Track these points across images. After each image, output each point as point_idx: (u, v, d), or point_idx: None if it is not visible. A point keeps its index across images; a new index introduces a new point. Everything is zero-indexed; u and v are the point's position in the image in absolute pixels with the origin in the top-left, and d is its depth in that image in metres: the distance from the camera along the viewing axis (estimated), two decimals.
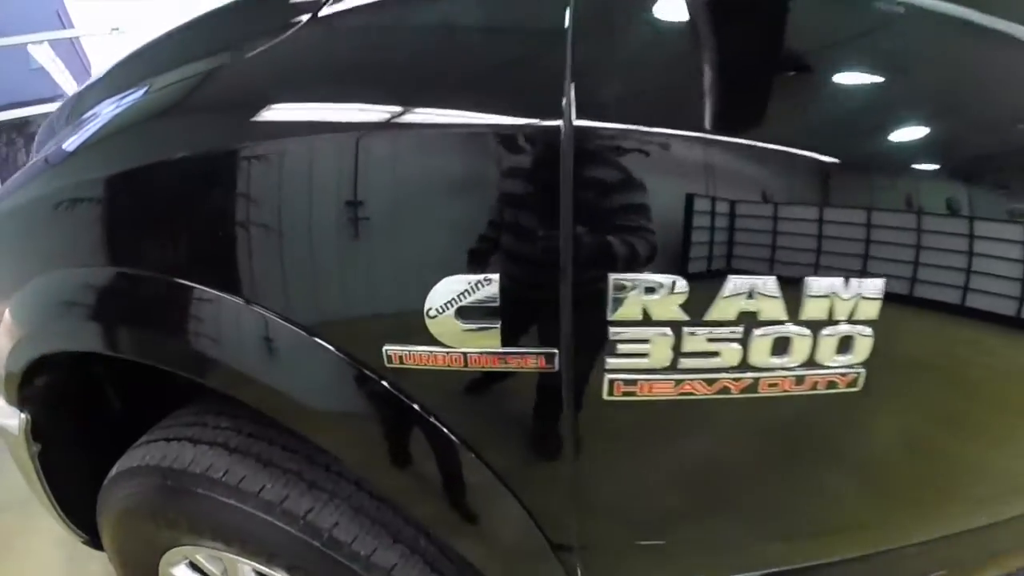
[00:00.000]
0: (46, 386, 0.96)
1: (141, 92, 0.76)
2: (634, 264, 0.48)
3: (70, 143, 0.81)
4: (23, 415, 0.96)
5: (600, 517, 0.63)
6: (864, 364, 0.53)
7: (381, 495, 0.78)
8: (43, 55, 4.95)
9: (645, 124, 0.47)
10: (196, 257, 0.62)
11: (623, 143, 0.47)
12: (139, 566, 1.01)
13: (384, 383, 0.55)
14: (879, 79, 0.54)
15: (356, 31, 0.61)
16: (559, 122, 0.47)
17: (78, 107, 0.92)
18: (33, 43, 4.62)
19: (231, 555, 0.87)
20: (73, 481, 1.06)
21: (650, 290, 0.47)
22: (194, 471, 0.80)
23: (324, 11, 0.59)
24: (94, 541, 1.11)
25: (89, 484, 0.99)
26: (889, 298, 0.51)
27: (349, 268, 0.54)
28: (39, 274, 0.82)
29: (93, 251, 0.73)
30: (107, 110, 0.79)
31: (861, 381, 0.54)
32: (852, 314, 0.51)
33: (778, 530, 0.70)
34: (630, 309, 0.48)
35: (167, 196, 0.65)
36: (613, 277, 0.47)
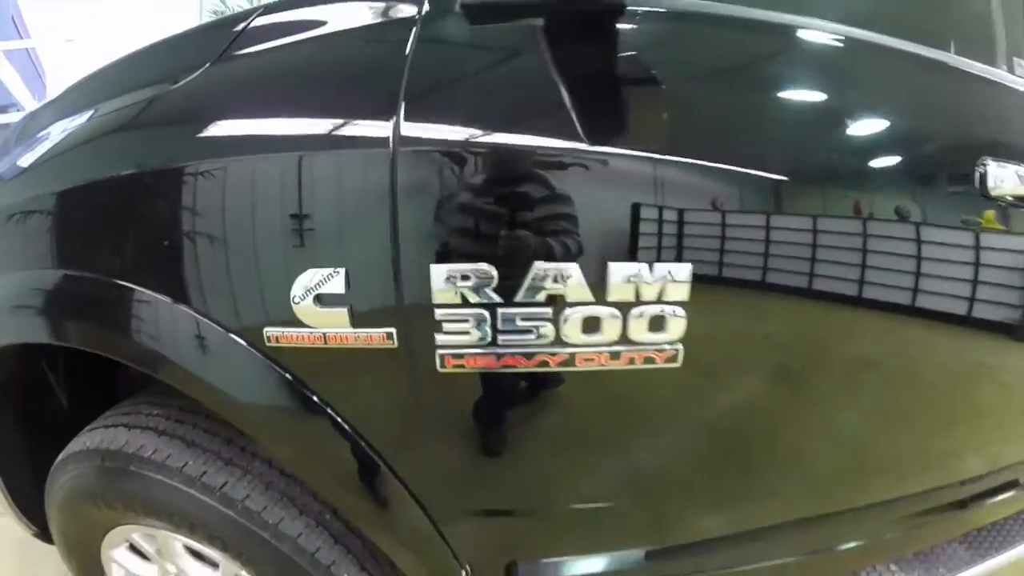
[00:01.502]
0: None
1: (87, 116, 0.91)
2: (451, 256, 0.63)
3: (24, 160, 0.96)
4: None
5: (457, 485, 0.78)
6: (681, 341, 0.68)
7: (289, 471, 0.93)
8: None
9: (464, 136, 0.63)
10: (133, 261, 0.77)
11: (443, 151, 0.63)
12: (84, 553, 1.14)
13: (267, 360, 0.70)
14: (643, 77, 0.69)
15: (242, 73, 0.77)
16: (389, 133, 0.62)
17: (29, 127, 1.07)
18: None
19: (162, 531, 1.00)
20: (24, 475, 1.20)
21: (464, 277, 0.62)
22: (127, 451, 0.93)
23: (224, 55, 0.75)
24: (44, 534, 1.25)
25: (39, 479, 1.12)
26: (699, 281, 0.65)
27: (241, 268, 0.69)
28: None
29: (44, 255, 0.88)
30: (57, 131, 0.94)
31: (681, 357, 0.69)
32: (662, 295, 0.65)
33: (630, 502, 0.85)
34: (449, 294, 0.63)
35: (110, 207, 0.80)
36: (434, 268, 0.62)
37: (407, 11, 0.69)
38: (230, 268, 0.68)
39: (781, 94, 0.77)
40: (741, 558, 1.02)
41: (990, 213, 0.88)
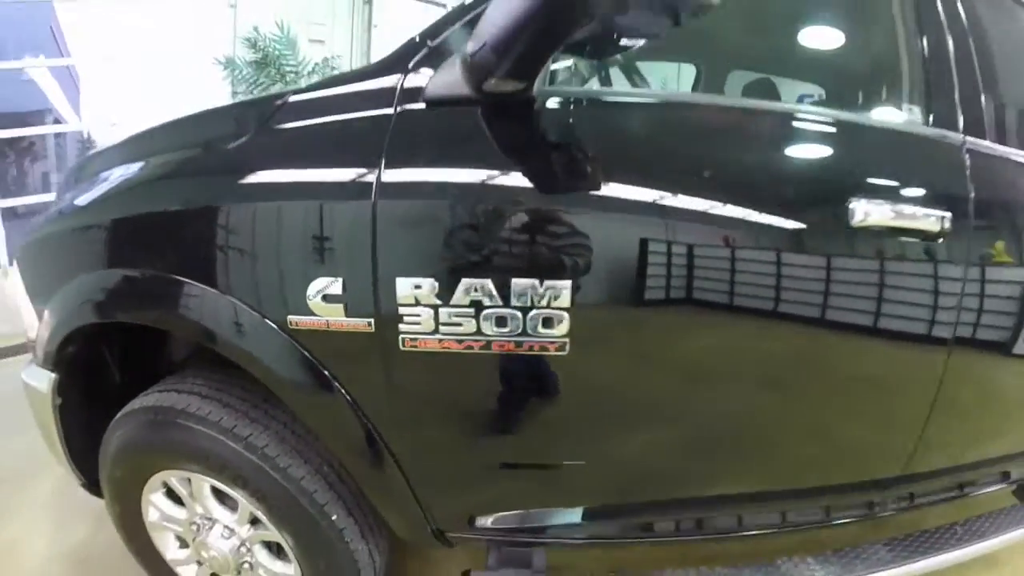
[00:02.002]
0: (69, 355, 1.42)
1: (139, 166, 1.28)
2: (409, 271, 0.97)
3: (82, 199, 1.34)
4: (53, 375, 1.44)
5: (415, 434, 1.11)
6: (570, 330, 1.01)
7: (299, 429, 1.25)
8: (38, 73, 5.54)
9: (419, 192, 0.98)
10: (177, 262, 1.13)
11: (406, 202, 0.98)
12: (127, 497, 1.46)
13: (290, 339, 1.05)
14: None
15: (278, 141, 1.12)
16: (373, 184, 0.98)
17: (88, 167, 1.45)
18: (34, 67, 5.24)
19: (196, 474, 1.32)
20: (81, 436, 1.53)
21: (417, 286, 0.97)
22: (177, 408, 1.26)
23: (264, 126, 1.12)
24: (91, 487, 1.59)
25: (92, 439, 1.46)
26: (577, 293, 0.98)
27: (275, 275, 1.04)
28: (68, 280, 1.32)
29: (107, 260, 1.24)
30: (116, 175, 1.31)
31: (568, 348, 1.02)
32: (551, 303, 0.99)
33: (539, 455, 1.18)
34: (407, 296, 0.97)
35: (160, 230, 1.16)
36: (398, 279, 0.96)
37: (386, 108, 1.05)
38: (270, 276, 1.05)
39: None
40: (660, 527, 1.33)
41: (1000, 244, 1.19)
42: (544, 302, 0.97)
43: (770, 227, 1.09)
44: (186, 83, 5.74)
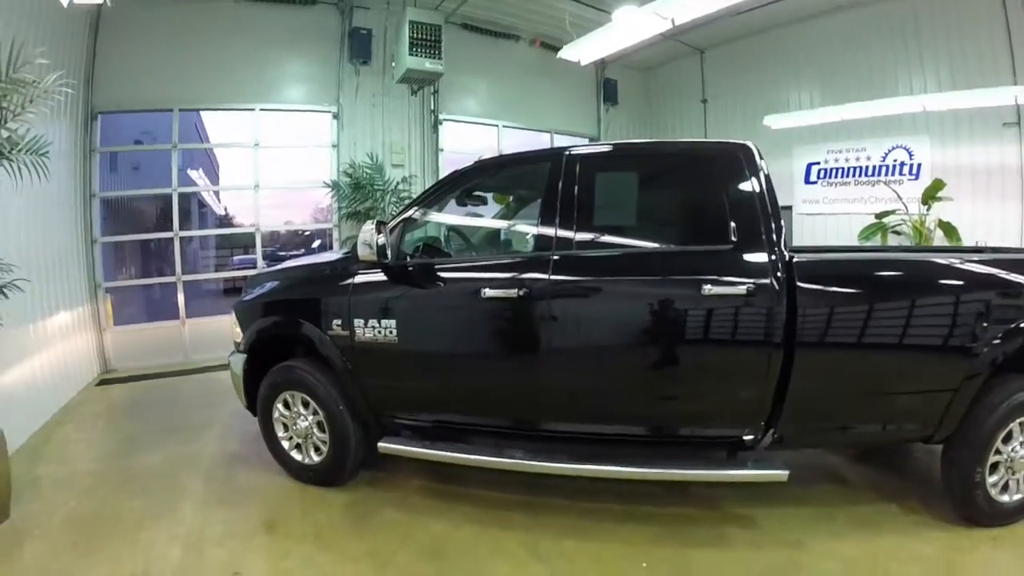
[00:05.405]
0: (252, 347, 4.10)
1: (275, 283, 4.10)
2: (358, 317, 3.53)
3: (251, 296, 4.18)
4: (245, 355, 4.13)
5: (362, 369, 3.63)
6: (397, 335, 3.50)
7: (334, 373, 3.77)
8: (196, 176, 8.33)
9: (363, 292, 3.58)
10: (297, 314, 3.81)
11: (361, 293, 3.58)
12: (266, 407, 4.07)
13: (331, 340, 3.64)
14: None
15: (327, 276, 3.76)
16: (349, 285, 3.61)
17: (256, 279, 4.34)
18: (206, 190, 8.19)
19: (298, 392, 3.92)
20: (250, 381, 4.17)
21: (360, 321, 3.50)
22: (296, 366, 3.89)
23: (331, 270, 3.80)
24: (249, 408, 4.26)
25: (253, 387, 4.12)
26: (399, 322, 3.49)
27: (327, 319, 3.65)
28: (252, 324, 4.08)
29: (267, 314, 4.01)
30: (268, 286, 4.13)
31: (396, 340, 3.50)
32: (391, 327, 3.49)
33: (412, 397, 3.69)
34: (357, 324, 3.50)
35: (284, 304, 3.92)
36: (355, 319, 3.53)
37: (353, 266, 3.64)
38: (325, 321, 3.66)
39: None
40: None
41: None
42: (391, 324, 3.46)
43: (468, 297, 3.41)
44: (305, 200, 8.64)
